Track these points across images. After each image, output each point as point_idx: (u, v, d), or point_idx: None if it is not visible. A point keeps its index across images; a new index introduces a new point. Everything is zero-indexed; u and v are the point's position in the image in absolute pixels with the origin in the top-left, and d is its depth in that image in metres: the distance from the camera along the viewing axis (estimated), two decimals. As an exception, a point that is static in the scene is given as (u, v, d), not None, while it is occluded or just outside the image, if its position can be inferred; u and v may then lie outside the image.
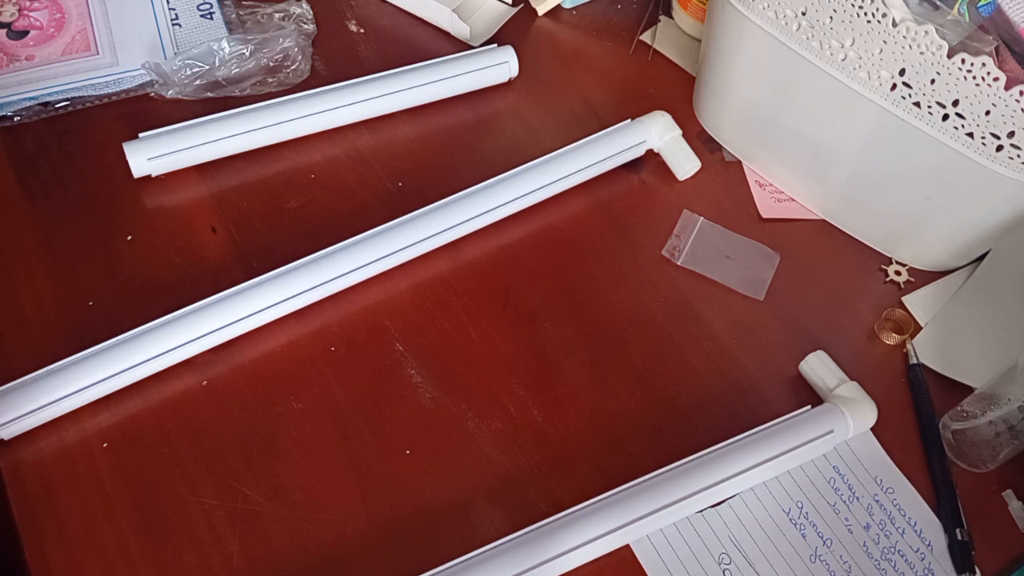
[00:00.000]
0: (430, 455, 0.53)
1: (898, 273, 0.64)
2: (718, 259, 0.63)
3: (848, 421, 0.54)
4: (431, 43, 0.74)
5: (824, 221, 0.66)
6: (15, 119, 0.64)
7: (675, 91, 0.73)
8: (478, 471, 0.53)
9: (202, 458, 0.52)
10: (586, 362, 0.58)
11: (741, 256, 0.64)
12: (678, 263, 0.63)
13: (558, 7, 0.77)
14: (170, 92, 0.66)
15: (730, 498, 0.53)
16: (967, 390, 0.56)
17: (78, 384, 0.51)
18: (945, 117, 0.53)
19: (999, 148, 0.52)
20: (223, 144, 0.63)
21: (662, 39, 0.76)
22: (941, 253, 0.63)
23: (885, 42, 0.53)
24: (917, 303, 0.62)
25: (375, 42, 0.73)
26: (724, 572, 0.51)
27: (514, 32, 0.75)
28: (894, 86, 0.55)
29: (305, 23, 0.71)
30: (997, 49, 0.58)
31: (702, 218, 0.65)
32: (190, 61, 0.66)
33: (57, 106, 0.65)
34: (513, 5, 0.77)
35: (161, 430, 0.52)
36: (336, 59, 0.71)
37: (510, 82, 0.71)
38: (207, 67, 0.66)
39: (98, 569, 0.48)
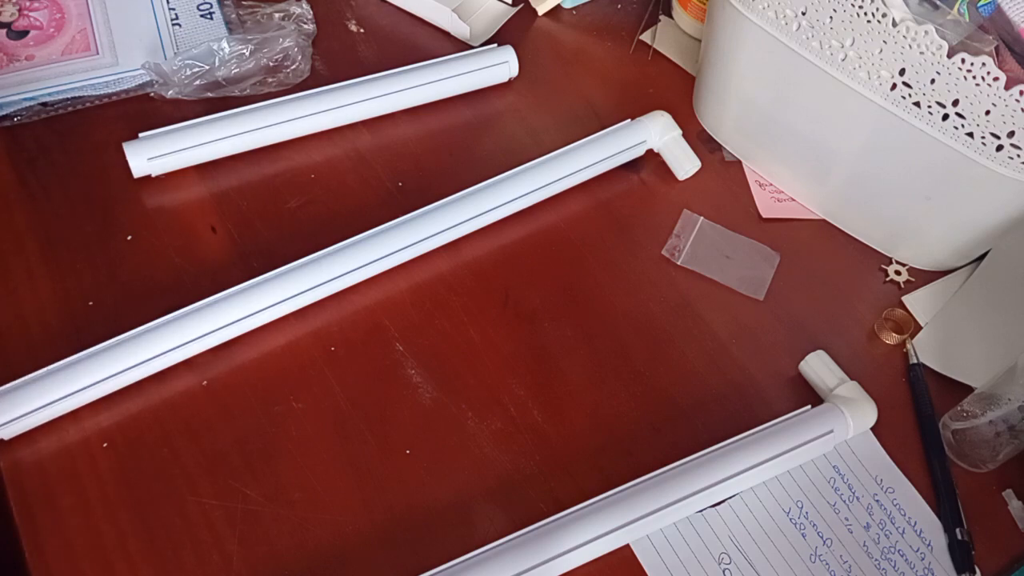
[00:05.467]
0: (430, 455, 0.53)
1: (898, 273, 0.64)
2: (718, 259, 0.63)
3: (848, 421, 0.54)
4: (431, 43, 0.74)
5: (824, 221, 0.66)
6: (15, 119, 0.64)
7: (675, 91, 0.73)
8: (478, 471, 0.53)
9: (202, 458, 0.52)
10: (586, 362, 0.58)
11: (741, 256, 0.64)
12: (678, 263, 0.63)
13: (558, 7, 0.77)
14: (170, 92, 0.66)
15: (730, 498, 0.53)
16: (967, 390, 0.56)
17: (78, 384, 0.51)
18: (945, 117, 0.53)
19: (999, 148, 0.52)
20: (223, 144, 0.63)
21: (662, 39, 0.76)
22: (941, 253, 0.63)
23: (885, 42, 0.53)
24: (917, 303, 0.62)
25: (375, 42, 0.73)
26: (724, 572, 0.51)
27: (514, 32, 0.75)
28: (894, 86, 0.55)
29: (305, 23, 0.71)
30: (997, 49, 0.58)
31: (702, 218, 0.65)
32: (190, 61, 0.66)
33: (57, 106, 0.65)
34: (513, 5, 0.77)
35: (161, 430, 0.52)
36: (336, 59, 0.71)
37: (510, 82, 0.71)
38: (207, 67, 0.66)
39: (98, 569, 0.48)
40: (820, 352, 0.58)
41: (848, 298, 0.62)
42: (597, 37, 0.76)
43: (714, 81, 0.67)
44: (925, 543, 0.53)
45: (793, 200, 0.67)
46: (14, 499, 0.49)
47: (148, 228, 0.60)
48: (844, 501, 0.54)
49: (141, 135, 0.61)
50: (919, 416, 0.57)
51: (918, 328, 0.61)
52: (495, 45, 0.71)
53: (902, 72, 0.54)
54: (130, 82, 0.67)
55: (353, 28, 0.74)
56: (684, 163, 0.66)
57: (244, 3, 0.72)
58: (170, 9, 0.71)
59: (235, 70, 0.67)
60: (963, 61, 0.50)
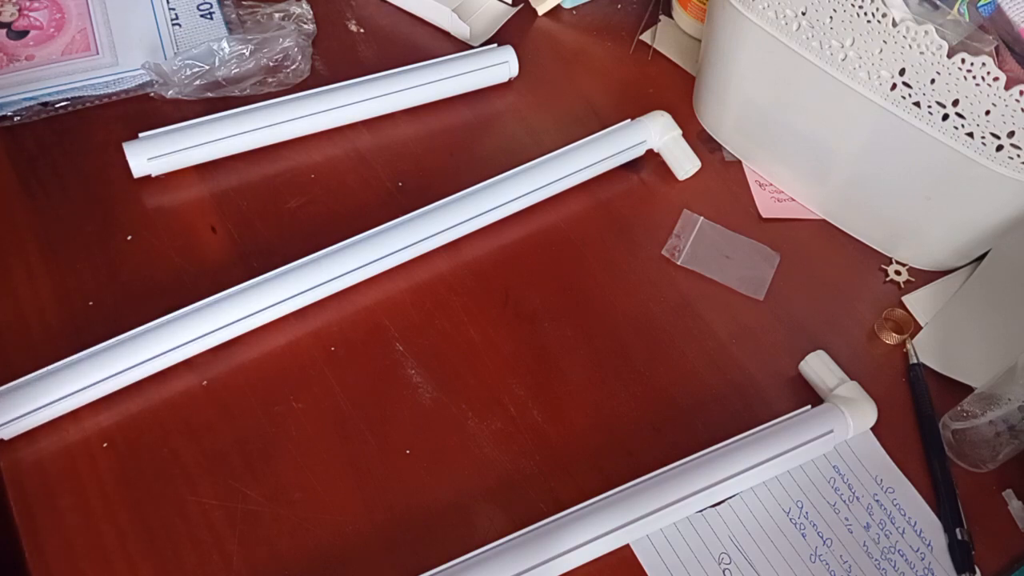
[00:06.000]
0: (430, 455, 0.53)
1: (898, 273, 0.64)
2: (718, 259, 0.63)
3: (848, 421, 0.54)
4: (431, 43, 0.74)
5: (824, 221, 0.66)
6: (15, 119, 0.64)
7: (675, 91, 0.73)
8: (478, 471, 0.53)
9: (202, 458, 0.52)
10: (586, 362, 0.58)
11: (741, 256, 0.64)
12: (678, 263, 0.63)
13: (558, 7, 0.77)
14: (170, 92, 0.66)
15: (730, 498, 0.53)
16: (967, 390, 0.56)
17: (78, 384, 0.51)
18: (945, 117, 0.53)
19: (999, 148, 0.52)
20: (223, 144, 0.63)
21: (662, 39, 0.76)
22: (941, 253, 0.63)
23: (885, 42, 0.53)
24: (917, 303, 0.62)
25: (375, 42, 0.73)
26: (724, 572, 0.51)
27: (514, 32, 0.75)
28: (894, 86, 0.55)
29: (305, 23, 0.71)
30: (997, 49, 0.58)
31: (702, 218, 0.65)
32: (190, 61, 0.66)
33: (57, 106, 0.65)
34: (513, 5, 0.77)
35: (161, 430, 0.52)
36: (336, 59, 0.71)
37: (510, 82, 0.71)
38: (207, 67, 0.66)
39: (98, 569, 0.48)
40: (820, 352, 0.58)
41: (848, 298, 0.62)
42: (597, 37, 0.76)
43: (714, 81, 0.67)
44: (925, 543, 0.53)
45: (793, 200, 0.67)
46: (14, 499, 0.49)
47: (148, 228, 0.60)
48: (844, 501, 0.54)
49: (141, 135, 0.61)
50: (919, 416, 0.57)
51: (918, 328, 0.61)
52: (495, 45, 0.71)
53: (902, 72, 0.54)
54: (130, 82, 0.67)
55: (353, 28, 0.74)
56: (684, 163, 0.66)
57: (244, 3, 0.72)
58: (170, 9, 0.71)
59: (235, 70, 0.67)
60: (963, 61, 0.50)
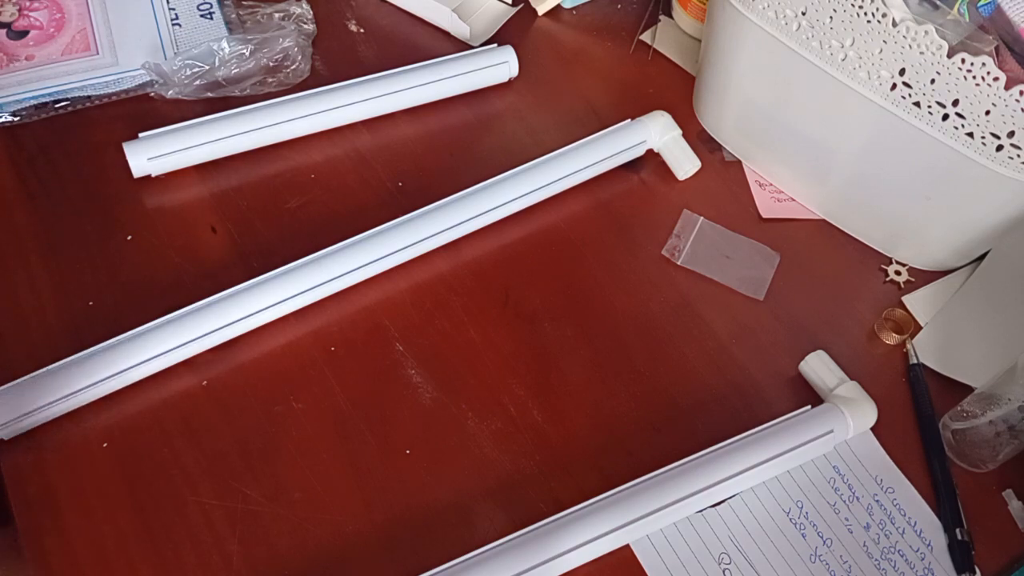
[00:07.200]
0: (430, 455, 0.53)
1: (898, 273, 0.64)
2: (718, 259, 0.63)
3: (848, 421, 0.54)
4: (431, 43, 0.74)
5: (824, 221, 0.66)
6: (15, 119, 0.64)
7: (675, 91, 0.73)
8: (478, 471, 0.53)
9: (202, 458, 0.52)
10: (586, 362, 0.58)
11: (741, 256, 0.64)
12: (678, 263, 0.63)
13: (558, 7, 0.77)
14: (170, 92, 0.66)
15: (730, 498, 0.53)
16: (967, 390, 0.56)
17: (78, 384, 0.51)
18: (945, 117, 0.53)
19: (999, 148, 0.52)
20: (223, 144, 0.63)
21: (662, 39, 0.76)
22: (941, 253, 0.63)
23: (885, 42, 0.53)
24: (917, 303, 0.62)
25: (375, 42, 0.73)
26: (724, 572, 0.51)
27: (514, 32, 0.75)
28: (894, 86, 0.55)
29: (305, 23, 0.71)
30: (997, 49, 0.58)
31: (702, 218, 0.65)
32: (190, 61, 0.66)
33: (57, 106, 0.65)
34: (513, 5, 0.77)
35: (161, 430, 0.52)
36: (336, 59, 0.71)
37: (510, 82, 0.71)
38: (207, 67, 0.66)
39: (98, 569, 0.48)
40: (820, 352, 0.58)
41: (848, 298, 0.62)
42: (597, 37, 0.76)
43: (714, 81, 0.67)
44: (925, 543, 0.53)
45: (793, 200, 0.67)
46: (14, 499, 0.49)
47: (148, 228, 0.60)
48: (844, 501, 0.54)
49: (141, 135, 0.61)
50: (919, 416, 0.57)
51: (918, 328, 0.61)
52: (495, 45, 0.71)
53: (902, 72, 0.54)
54: (130, 82, 0.67)
55: (353, 28, 0.74)
56: (684, 163, 0.66)
57: (244, 3, 0.72)
58: (170, 9, 0.71)
59: (235, 70, 0.67)
60: (963, 61, 0.50)
